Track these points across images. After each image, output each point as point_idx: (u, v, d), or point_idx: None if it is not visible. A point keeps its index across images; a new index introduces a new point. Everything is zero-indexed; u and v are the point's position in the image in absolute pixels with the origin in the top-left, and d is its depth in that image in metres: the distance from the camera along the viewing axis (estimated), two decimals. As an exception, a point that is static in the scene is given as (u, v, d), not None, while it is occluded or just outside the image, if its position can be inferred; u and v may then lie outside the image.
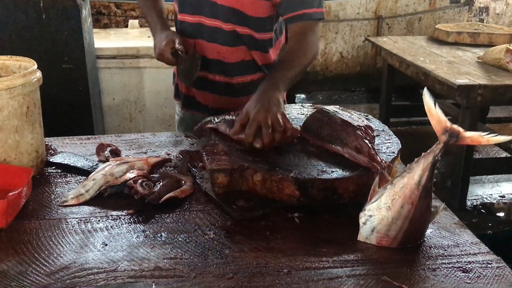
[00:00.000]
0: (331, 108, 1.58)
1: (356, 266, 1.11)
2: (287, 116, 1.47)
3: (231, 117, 1.54)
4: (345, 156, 1.38)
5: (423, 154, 1.17)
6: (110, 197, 1.36)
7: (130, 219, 1.27)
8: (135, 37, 3.75)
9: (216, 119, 1.58)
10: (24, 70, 1.46)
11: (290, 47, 1.74)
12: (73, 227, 1.23)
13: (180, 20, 1.85)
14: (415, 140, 4.12)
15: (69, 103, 3.01)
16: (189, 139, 1.77)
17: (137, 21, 4.10)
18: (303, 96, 6.09)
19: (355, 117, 1.54)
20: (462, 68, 3.47)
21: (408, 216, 1.16)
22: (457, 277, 1.08)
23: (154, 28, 1.82)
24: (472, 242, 1.21)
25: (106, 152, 1.57)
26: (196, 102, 1.91)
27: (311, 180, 1.29)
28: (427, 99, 1.17)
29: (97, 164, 1.50)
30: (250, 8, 1.74)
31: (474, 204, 3.67)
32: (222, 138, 1.50)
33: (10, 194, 1.23)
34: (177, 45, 1.69)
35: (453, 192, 3.45)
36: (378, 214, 1.18)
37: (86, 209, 1.31)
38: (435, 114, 1.16)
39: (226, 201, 1.31)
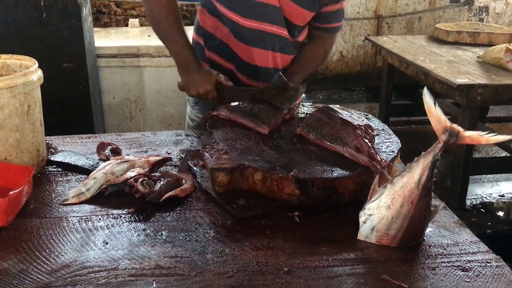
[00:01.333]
0: (331, 107, 1.58)
1: (356, 264, 1.12)
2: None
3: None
4: (345, 155, 1.38)
5: (423, 153, 1.17)
6: (111, 196, 1.36)
7: (130, 218, 1.27)
8: (136, 36, 3.75)
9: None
10: (25, 69, 1.46)
11: (309, 53, 1.89)
12: (74, 225, 1.23)
13: (232, 21, 1.74)
14: (415, 139, 4.12)
15: (70, 102, 3.01)
16: (189, 138, 1.77)
17: (137, 20, 4.10)
18: (303, 95, 6.09)
19: (355, 117, 1.54)
20: (462, 67, 3.47)
21: (408, 215, 1.16)
22: (457, 276, 1.09)
23: (186, 63, 1.71)
24: (471, 241, 1.22)
25: (106, 151, 1.58)
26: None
27: (311, 179, 1.30)
28: (427, 98, 1.17)
29: (97, 163, 1.50)
30: (297, 18, 1.78)
31: (474, 203, 3.67)
32: (225, 131, 1.54)
33: (11, 192, 1.23)
34: (225, 81, 1.68)
35: (453, 191, 3.45)
36: (378, 213, 1.19)
37: (87, 207, 1.32)
38: (435, 114, 1.16)
39: (227, 200, 1.32)
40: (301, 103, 1.85)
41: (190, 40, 1.79)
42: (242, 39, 1.77)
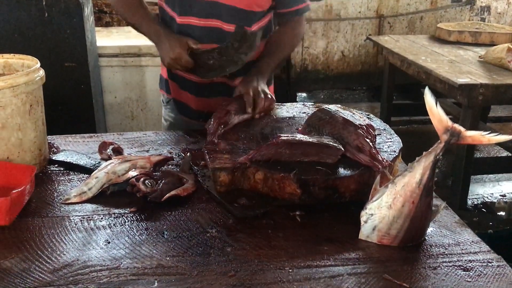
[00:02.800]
0: (332, 107, 1.59)
1: (357, 264, 1.12)
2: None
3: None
4: (347, 155, 1.38)
5: (424, 153, 1.17)
6: (113, 195, 1.36)
7: (132, 217, 1.27)
8: (137, 35, 3.71)
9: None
10: (27, 69, 1.47)
11: (278, 37, 1.88)
12: (75, 225, 1.24)
13: (182, 24, 1.79)
14: (416, 139, 4.13)
15: (72, 101, 3.01)
16: (191, 137, 1.77)
17: (139, 19, 4.10)
18: (304, 95, 6.09)
19: (357, 116, 1.54)
20: (463, 67, 3.46)
21: (409, 215, 1.16)
22: (458, 276, 1.09)
23: (156, 35, 1.77)
24: (472, 241, 1.22)
25: (108, 150, 1.58)
26: (190, 109, 1.91)
27: (312, 179, 1.30)
28: (429, 98, 1.17)
29: (99, 162, 1.51)
30: (256, 5, 1.77)
31: (475, 203, 3.67)
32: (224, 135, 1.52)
33: (13, 192, 1.23)
34: (194, 45, 1.70)
35: (454, 191, 3.44)
36: (379, 212, 1.19)
37: (89, 207, 1.32)
38: (436, 113, 1.16)
39: (228, 200, 1.32)
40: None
41: None
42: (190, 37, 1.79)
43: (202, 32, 1.76)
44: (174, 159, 1.57)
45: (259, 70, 1.78)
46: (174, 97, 1.94)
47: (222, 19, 1.75)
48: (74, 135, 1.77)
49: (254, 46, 1.72)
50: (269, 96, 1.72)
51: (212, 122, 1.56)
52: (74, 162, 1.53)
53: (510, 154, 4.12)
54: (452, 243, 1.21)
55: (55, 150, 1.61)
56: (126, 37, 3.70)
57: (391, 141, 1.53)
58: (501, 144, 3.98)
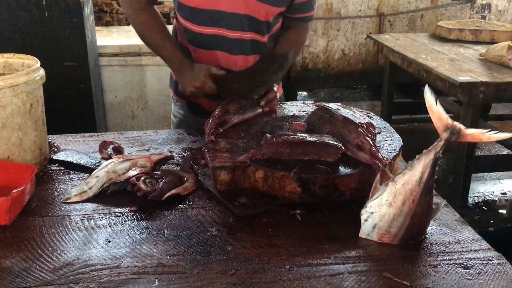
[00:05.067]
0: (332, 105, 1.59)
1: (358, 262, 1.12)
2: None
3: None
4: (347, 153, 1.38)
5: (424, 151, 1.17)
6: (113, 194, 1.37)
7: (133, 216, 1.27)
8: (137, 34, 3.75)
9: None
10: (27, 68, 1.47)
11: (285, 44, 1.88)
12: (76, 224, 1.24)
13: (194, 32, 1.77)
14: (416, 137, 4.12)
15: (72, 100, 3.02)
16: (191, 136, 1.77)
17: (139, 18, 4.10)
18: (305, 93, 6.09)
19: (357, 115, 1.54)
20: (464, 65, 3.46)
21: (409, 213, 1.16)
22: (458, 274, 1.09)
23: (177, 63, 1.76)
24: (473, 239, 1.22)
25: (109, 149, 1.58)
26: (202, 109, 1.90)
27: (312, 177, 1.30)
28: (429, 96, 1.17)
29: (100, 162, 1.51)
30: (263, 14, 1.76)
31: (476, 201, 3.67)
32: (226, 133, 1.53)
33: (14, 191, 1.24)
34: (217, 72, 1.69)
35: (455, 189, 3.44)
36: (380, 211, 1.19)
37: (89, 206, 1.32)
38: (437, 111, 1.16)
39: (228, 198, 1.32)
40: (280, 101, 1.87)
41: None
42: (207, 47, 1.78)
43: (230, 43, 1.76)
44: (175, 158, 1.57)
45: None
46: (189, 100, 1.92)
47: (244, 29, 1.75)
48: (74, 134, 1.77)
49: (285, 66, 1.71)
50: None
51: (210, 121, 1.56)
52: (74, 162, 1.53)
53: (511, 152, 4.12)
54: (452, 241, 1.21)
55: (55, 149, 1.61)
56: (126, 37, 3.71)
57: (391, 139, 1.53)
58: (501, 142, 3.98)
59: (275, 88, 1.76)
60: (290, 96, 5.38)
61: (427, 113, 1.17)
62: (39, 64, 1.48)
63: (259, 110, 1.67)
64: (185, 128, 1.90)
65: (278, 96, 1.76)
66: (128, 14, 1.85)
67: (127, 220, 1.26)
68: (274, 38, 1.89)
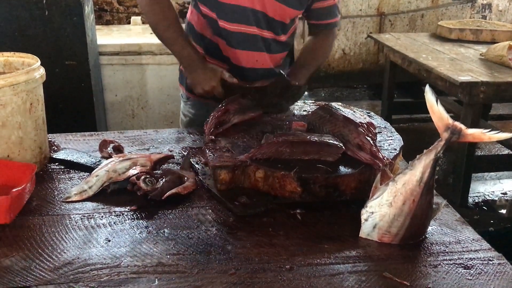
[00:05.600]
0: (333, 105, 1.58)
1: (358, 262, 1.12)
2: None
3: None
4: (347, 153, 1.38)
5: (425, 151, 1.17)
6: (113, 193, 1.36)
7: (133, 215, 1.27)
8: (138, 33, 3.75)
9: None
10: (28, 67, 1.47)
11: (312, 48, 1.94)
12: (76, 223, 1.24)
13: (220, 27, 1.77)
14: (417, 137, 4.12)
15: (72, 99, 3.01)
16: (191, 135, 1.77)
17: (139, 17, 4.10)
18: (305, 93, 6.09)
19: (357, 114, 1.54)
20: (464, 65, 3.46)
21: (409, 213, 1.16)
22: (459, 274, 1.09)
23: (189, 61, 1.74)
24: (473, 239, 1.22)
25: (109, 148, 1.58)
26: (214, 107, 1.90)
27: (313, 177, 1.30)
28: (429, 96, 1.17)
29: (100, 161, 1.51)
30: (279, 14, 1.78)
31: (476, 201, 3.67)
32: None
33: (14, 190, 1.23)
34: (229, 79, 1.69)
35: (455, 189, 3.44)
36: (380, 211, 1.19)
37: (89, 205, 1.32)
38: (437, 111, 1.16)
39: (229, 198, 1.32)
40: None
41: None
42: (227, 42, 1.79)
43: (240, 38, 1.77)
44: (175, 157, 1.57)
45: (297, 80, 1.82)
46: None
47: (261, 26, 1.76)
48: (74, 133, 1.77)
49: (297, 97, 1.74)
50: None
51: (210, 121, 1.56)
52: (74, 161, 1.53)
53: (511, 152, 4.12)
54: (453, 241, 1.21)
55: (55, 148, 1.61)
56: (126, 35, 3.70)
57: (391, 139, 1.53)
58: (502, 142, 3.97)
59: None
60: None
61: (428, 112, 1.17)
62: (39, 63, 1.48)
63: (260, 111, 1.67)
64: (196, 127, 1.88)
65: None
66: (141, 4, 1.80)
67: (127, 219, 1.26)
68: (303, 46, 1.94)
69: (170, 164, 1.54)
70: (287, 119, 1.66)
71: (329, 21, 1.91)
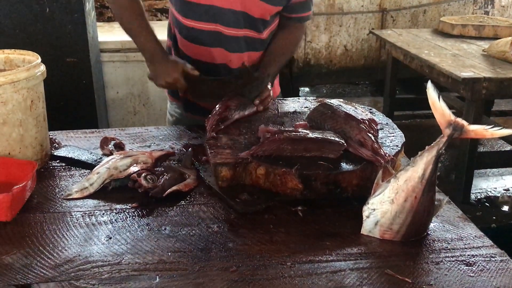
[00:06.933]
0: (334, 101, 1.58)
1: (359, 259, 1.12)
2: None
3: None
4: (349, 149, 1.38)
5: (427, 147, 1.16)
6: (114, 191, 1.36)
7: (134, 213, 1.27)
8: (139, 30, 3.74)
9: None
10: (28, 64, 1.46)
11: (280, 43, 1.88)
12: (77, 220, 1.24)
13: (188, 26, 1.76)
14: (419, 134, 4.12)
15: (73, 96, 3.01)
16: (192, 132, 1.77)
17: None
18: (307, 89, 6.08)
19: (359, 111, 1.54)
20: (466, 61, 3.45)
21: (411, 209, 1.16)
22: (461, 271, 1.08)
23: (151, 53, 1.74)
24: (475, 236, 1.21)
25: (110, 145, 1.58)
26: (198, 107, 1.88)
27: (314, 174, 1.29)
28: (431, 92, 1.17)
29: (101, 158, 1.50)
30: (259, 12, 1.75)
31: (478, 197, 3.66)
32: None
33: (15, 187, 1.23)
34: (191, 71, 1.68)
35: (457, 185, 3.44)
36: (382, 207, 1.18)
37: (90, 202, 1.32)
38: (439, 107, 1.15)
39: (230, 195, 1.31)
40: (276, 98, 1.87)
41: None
42: (202, 43, 1.77)
43: (225, 40, 1.75)
44: (176, 155, 1.57)
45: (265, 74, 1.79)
46: (185, 96, 1.89)
47: (240, 26, 1.74)
48: (75, 130, 1.76)
49: (259, 88, 1.71)
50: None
51: (211, 118, 1.55)
52: (75, 158, 1.52)
53: (513, 148, 4.11)
54: (455, 238, 1.20)
55: (56, 145, 1.61)
56: (128, 32, 3.69)
57: (393, 136, 1.52)
58: (504, 138, 3.97)
59: (269, 87, 1.75)
60: (292, 92, 5.37)
61: (430, 109, 1.16)
62: (40, 60, 1.47)
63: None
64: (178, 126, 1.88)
65: (271, 95, 1.75)
66: None
67: (128, 216, 1.26)
68: (273, 38, 1.88)
69: (171, 161, 1.53)
70: (289, 116, 1.66)
71: (302, 15, 1.87)
